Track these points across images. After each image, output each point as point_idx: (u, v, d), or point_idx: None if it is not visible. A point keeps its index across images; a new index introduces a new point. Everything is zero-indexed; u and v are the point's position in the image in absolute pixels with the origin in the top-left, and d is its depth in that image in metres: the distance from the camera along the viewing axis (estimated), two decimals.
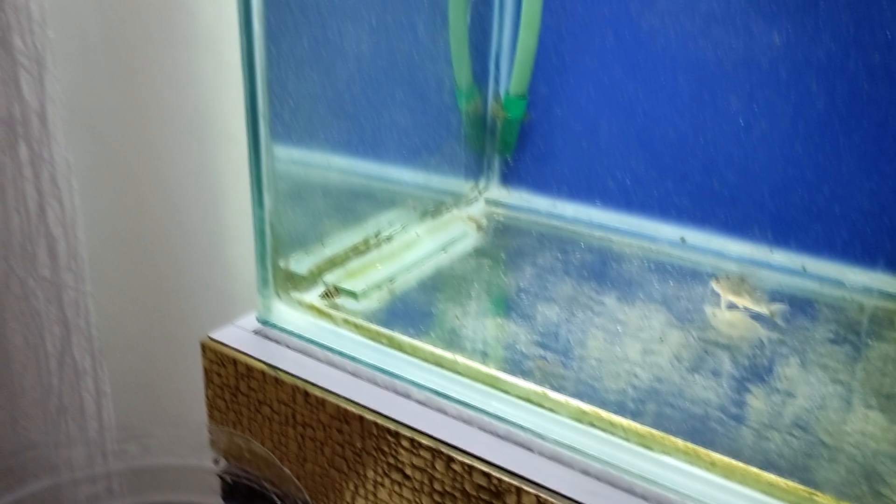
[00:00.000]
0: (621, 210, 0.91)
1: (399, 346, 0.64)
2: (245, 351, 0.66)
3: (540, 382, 0.59)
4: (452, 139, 0.92)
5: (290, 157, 0.67)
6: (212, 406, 0.70)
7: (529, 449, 0.56)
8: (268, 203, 0.64)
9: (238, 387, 0.67)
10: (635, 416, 0.56)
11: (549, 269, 0.80)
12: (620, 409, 0.57)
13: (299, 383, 0.63)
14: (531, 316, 0.71)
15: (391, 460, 0.59)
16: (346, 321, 0.67)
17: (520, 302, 0.73)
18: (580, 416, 0.56)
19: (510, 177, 0.98)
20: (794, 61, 0.73)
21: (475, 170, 0.96)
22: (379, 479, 0.60)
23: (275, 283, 0.68)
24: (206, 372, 0.68)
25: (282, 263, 0.68)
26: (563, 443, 0.55)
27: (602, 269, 0.81)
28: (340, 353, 0.65)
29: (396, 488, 0.60)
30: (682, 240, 0.84)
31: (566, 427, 0.56)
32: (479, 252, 0.84)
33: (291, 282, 0.70)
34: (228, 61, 0.80)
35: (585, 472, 0.54)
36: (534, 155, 0.96)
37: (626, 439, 0.54)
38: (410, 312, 0.71)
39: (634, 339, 0.67)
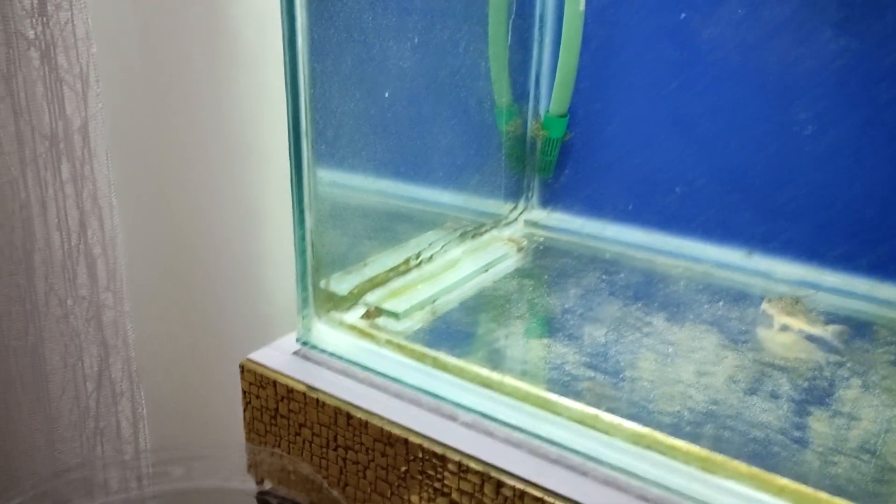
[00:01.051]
0: (665, 230, 0.89)
1: (444, 367, 0.62)
2: (285, 372, 0.65)
3: (593, 404, 0.57)
4: (492, 159, 0.90)
5: (331, 177, 0.66)
6: (250, 428, 0.68)
7: (584, 473, 0.54)
8: (309, 222, 0.63)
9: (278, 409, 0.65)
10: (693, 439, 0.54)
11: (593, 290, 0.78)
12: (677, 432, 0.54)
13: (341, 405, 0.61)
14: (578, 337, 0.69)
15: (437, 485, 0.57)
16: (388, 342, 0.65)
17: (566, 323, 0.71)
18: (636, 440, 0.54)
19: (550, 197, 0.96)
20: (865, 70, 0.71)
21: (514, 190, 0.95)
22: None
23: (315, 303, 0.66)
24: (245, 394, 0.67)
25: (322, 283, 0.67)
26: (618, 467, 0.53)
27: (648, 290, 0.79)
28: (383, 375, 0.64)
29: None
30: (749, 253, 0.81)
31: (621, 451, 0.54)
32: (520, 273, 0.82)
33: (332, 302, 0.69)
34: (268, 80, 0.80)
35: (643, 498, 0.52)
36: (574, 175, 0.94)
37: (686, 463, 0.52)
38: (454, 333, 0.69)
39: (687, 360, 0.65)
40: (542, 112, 0.92)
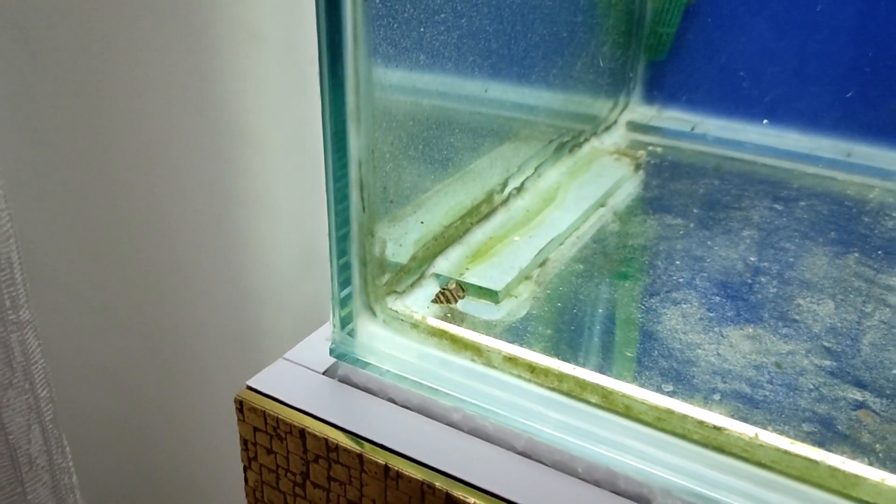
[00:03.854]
0: (832, 133, 0.61)
1: (605, 400, 0.35)
2: (318, 414, 0.37)
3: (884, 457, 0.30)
4: (581, 34, 0.61)
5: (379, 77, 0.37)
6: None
7: None
8: (356, 147, 0.34)
9: (308, 475, 0.38)
10: None
11: (776, 231, 0.50)
12: None
13: (430, 476, 0.34)
14: (795, 319, 0.41)
15: None
16: (507, 358, 0.37)
17: (763, 292, 0.44)
18: None
19: (659, 89, 0.68)
20: None
21: (612, 82, 0.65)
22: None
23: (365, 286, 0.38)
24: (247, 448, 0.39)
25: (377, 250, 0.38)
26: None
27: (852, 226, 0.51)
28: (490, 413, 0.36)
29: None
30: None
31: None
32: (652, 205, 0.54)
33: (388, 280, 0.40)
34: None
35: None
36: (691, 57, 0.65)
37: None
38: (586, 322, 0.42)
39: None
40: None
